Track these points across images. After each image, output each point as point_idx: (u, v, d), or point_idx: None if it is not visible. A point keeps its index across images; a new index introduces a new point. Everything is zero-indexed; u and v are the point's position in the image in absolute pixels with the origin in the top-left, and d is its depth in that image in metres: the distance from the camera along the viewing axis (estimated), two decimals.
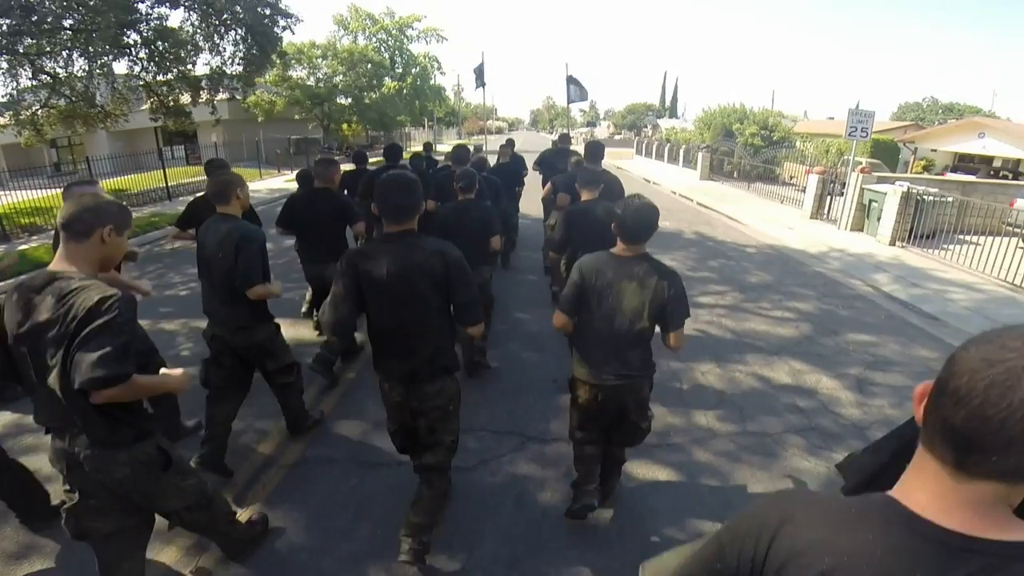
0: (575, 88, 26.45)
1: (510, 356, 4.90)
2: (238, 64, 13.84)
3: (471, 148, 7.06)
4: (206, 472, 2.95)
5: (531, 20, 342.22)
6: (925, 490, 0.71)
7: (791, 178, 17.85)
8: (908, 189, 9.56)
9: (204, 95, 14.80)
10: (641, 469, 3.34)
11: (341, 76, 26.88)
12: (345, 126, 28.84)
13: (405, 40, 32.30)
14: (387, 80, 29.82)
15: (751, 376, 4.65)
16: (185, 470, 2.18)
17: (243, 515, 2.74)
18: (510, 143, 8.67)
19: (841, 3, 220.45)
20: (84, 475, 1.92)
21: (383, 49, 31.44)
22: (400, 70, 31.67)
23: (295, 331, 5.07)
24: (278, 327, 3.27)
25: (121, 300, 1.73)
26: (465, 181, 4.14)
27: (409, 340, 2.30)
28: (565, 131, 8.94)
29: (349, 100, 27.43)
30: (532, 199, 9.99)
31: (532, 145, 32.12)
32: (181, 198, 15.37)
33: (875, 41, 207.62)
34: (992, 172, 19.49)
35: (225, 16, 12.73)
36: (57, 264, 1.81)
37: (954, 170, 20.79)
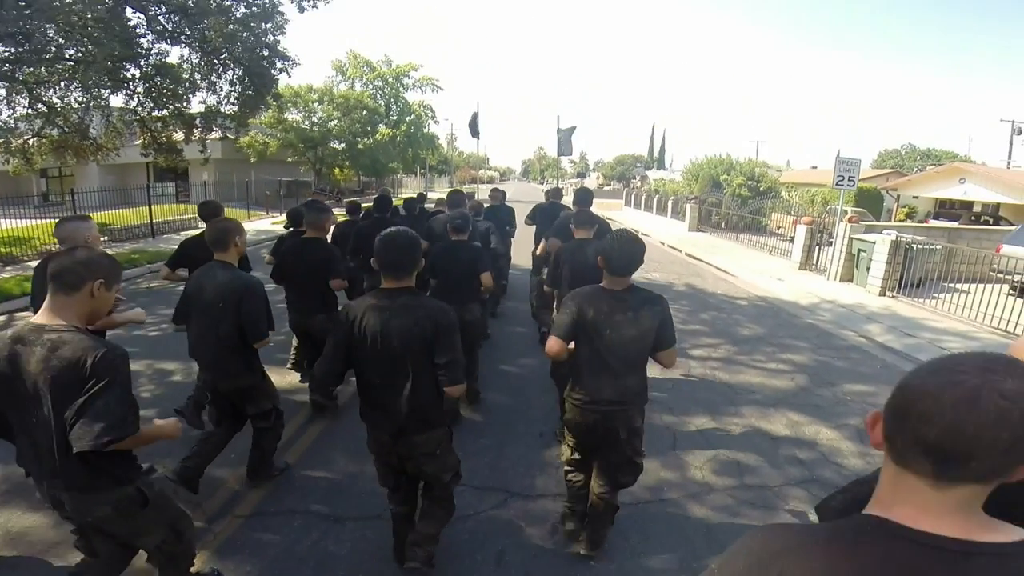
0: (564, 143, 27.22)
1: (495, 407, 4.62)
2: (233, 104, 13.89)
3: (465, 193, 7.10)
4: (178, 486, 2.99)
5: (524, 72, 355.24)
6: (909, 504, 0.74)
7: (778, 228, 18.02)
8: (897, 238, 9.58)
9: (197, 133, 14.84)
10: (635, 526, 3.07)
11: (336, 121, 27.29)
12: (337, 170, 29.07)
13: (401, 88, 33.05)
14: (381, 127, 30.30)
15: (748, 428, 4.40)
16: (163, 507, 2.16)
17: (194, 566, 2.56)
18: (502, 193, 8.65)
19: (822, 55, 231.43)
20: (68, 513, 1.97)
21: (379, 96, 32.12)
22: (395, 117, 32.28)
23: (281, 378, 4.76)
24: (263, 374, 3.22)
25: (118, 358, 1.77)
26: (458, 222, 4.21)
27: (396, 396, 2.29)
28: (557, 186, 9.12)
29: (343, 145, 27.74)
30: (522, 250, 9.88)
31: (524, 195, 32.56)
32: (165, 235, 15.20)
33: (854, 91, 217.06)
34: (973, 217, 19.80)
35: (223, 55, 12.85)
36: (44, 316, 1.81)
37: (936, 216, 21.11)
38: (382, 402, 2.33)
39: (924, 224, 14.94)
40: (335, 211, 5.70)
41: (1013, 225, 16.07)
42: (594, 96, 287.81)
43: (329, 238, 6.11)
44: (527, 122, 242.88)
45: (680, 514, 3.24)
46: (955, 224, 15.43)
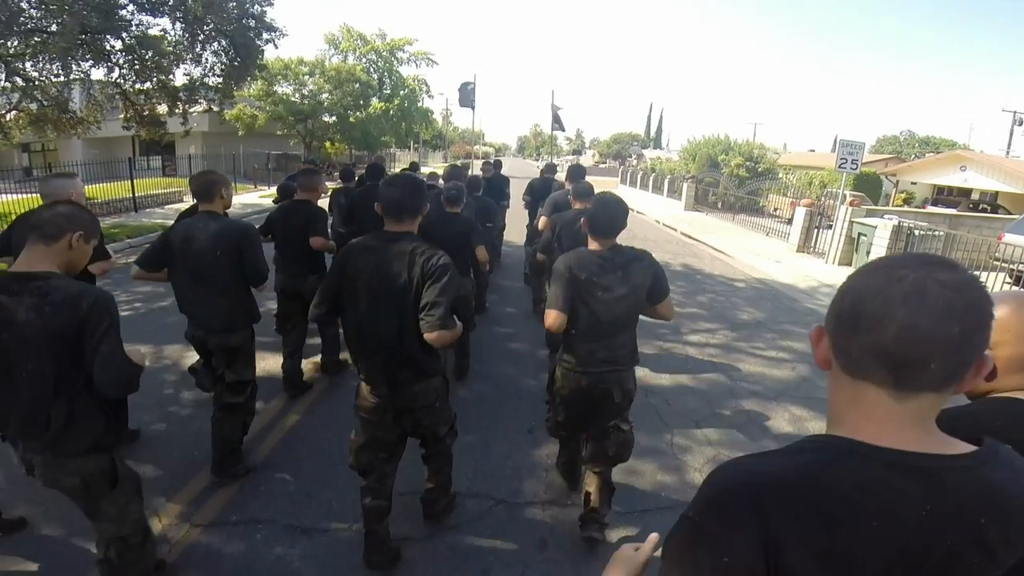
0: (556, 119, 27.14)
1: (479, 400, 4.28)
2: (217, 75, 13.36)
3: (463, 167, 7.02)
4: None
5: (521, 48, 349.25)
6: (871, 420, 0.71)
7: (775, 210, 17.74)
8: (899, 223, 9.35)
9: (181, 106, 14.32)
10: (633, 537, 2.83)
11: (327, 94, 26.52)
12: (328, 144, 28.37)
13: (395, 62, 32.21)
14: (374, 100, 29.56)
15: (750, 424, 4.19)
16: (131, 494, 2.11)
17: None
18: (497, 164, 8.99)
19: (821, 39, 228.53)
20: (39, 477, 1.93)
21: (372, 70, 31.30)
22: (388, 91, 31.50)
23: (265, 363, 4.49)
24: (253, 336, 3.13)
25: (110, 301, 1.81)
26: (452, 193, 4.19)
27: (388, 344, 2.21)
28: (551, 161, 9.53)
29: (334, 118, 27.01)
30: (514, 226, 9.81)
31: (519, 171, 31.98)
32: (148, 210, 14.73)
33: (854, 76, 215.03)
34: (972, 205, 19.61)
35: (208, 26, 12.30)
36: (24, 265, 1.80)
37: (934, 203, 20.91)
38: (373, 350, 2.25)
39: (925, 210, 14.68)
40: (328, 184, 5.60)
41: (1011, 214, 15.92)
42: (592, 74, 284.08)
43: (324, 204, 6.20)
44: (523, 99, 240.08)
45: None
46: (954, 211, 15.22)
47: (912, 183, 24.24)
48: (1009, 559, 0.71)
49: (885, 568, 0.68)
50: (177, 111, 14.38)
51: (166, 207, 15.35)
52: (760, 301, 7.90)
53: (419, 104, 33.48)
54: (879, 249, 9.54)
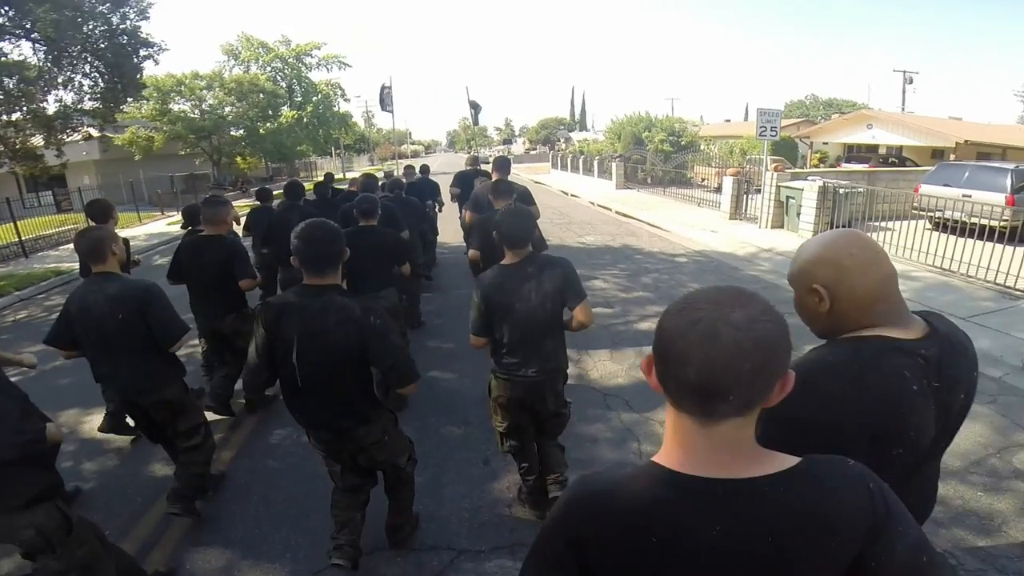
0: (474, 111, 28.23)
1: (427, 432, 3.81)
2: (92, 99, 12.14)
3: (380, 176, 7.06)
4: None
5: (443, 42, 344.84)
6: (682, 447, 0.80)
7: (703, 180, 18.12)
8: (824, 183, 9.54)
9: (57, 135, 12.93)
10: None
11: (230, 107, 24.92)
12: (239, 159, 26.72)
13: (304, 68, 30.85)
14: (285, 109, 28.17)
15: None
16: (87, 541, 2.11)
17: None
18: (424, 168, 8.75)
19: (729, 11, 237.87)
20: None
21: (280, 78, 29.80)
22: (299, 99, 30.09)
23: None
24: (185, 385, 2.98)
25: None
26: (364, 206, 4.03)
27: (324, 401, 2.19)
28: (474, 154, 9.64)
29: (241, 131, 25.43)
30: (448, 226, 9.41)
31: (450, 167, 31.21)
32: (40, 253, 13.19)
33: (759, 45, 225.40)
34: (882, 159, 20.74)
35: (73, 48, 11.10)
36: None
37: (847, 160, 22.00)
38: (309, 407, 2.23)
39: (840, 168, 15.28)
40: (243, 202, 4.92)
41: (918, 165, 16.89)
42: (515, 62, 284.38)
43: (241, 227, 5.95)
44: (450, 93, 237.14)
45: None
46: (866, 167, 15.96)
47: (824, 143, 25.41)
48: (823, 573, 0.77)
49: None
50: (54, 141, 13.01)
51: (60, 248, 13.81)
52: (703, 274, 7.82)
53: (335, 109, 32.29)
54: (808, 210, 9.73)
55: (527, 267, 2.51)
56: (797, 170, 12.64)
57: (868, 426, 1.05)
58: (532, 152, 60.71)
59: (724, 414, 0.76)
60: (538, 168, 34.84)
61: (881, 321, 1.13)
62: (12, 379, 2.13)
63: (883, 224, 8.73)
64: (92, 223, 3.77)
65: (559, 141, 57.80)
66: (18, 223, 13.07)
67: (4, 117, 12.55)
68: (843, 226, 9.21)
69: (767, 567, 0.76)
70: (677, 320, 0.77)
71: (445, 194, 8.34)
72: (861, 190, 9.88)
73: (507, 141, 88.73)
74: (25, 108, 12.28)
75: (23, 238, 12.95)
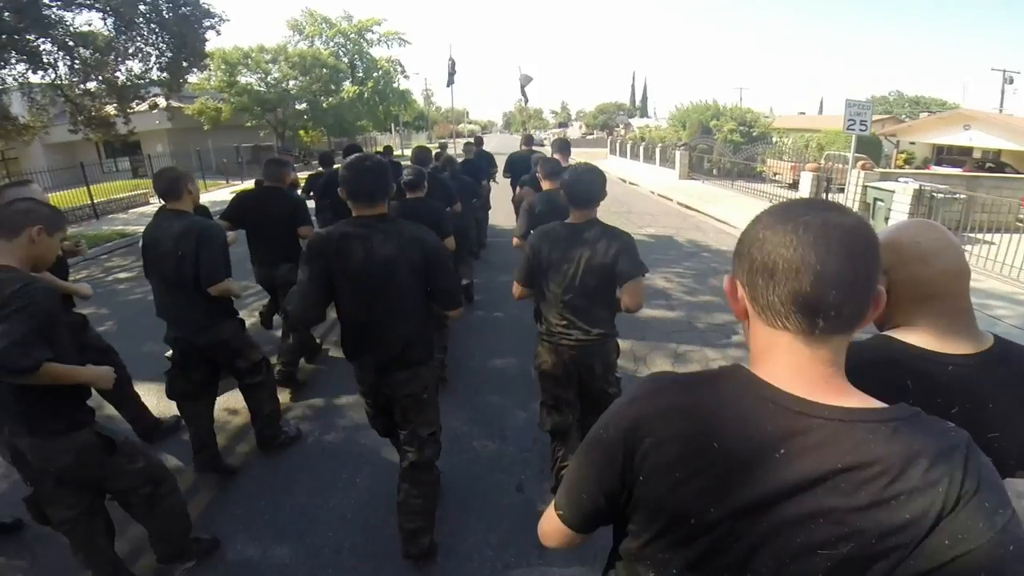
0: (524, 85, 28.64)
1: (459, 444, 3.38)
2: (159, 69, 12.37)
3: (434, 150, 6.73)
4: (210, 474, 3.08)
5: (504, 24, 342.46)
6: (779, 363, 0.74)
7: (775, 175, 16.96)
8: (920, 186, 8.59)
9: (130, 104, 13.33)
10: None
11: (295, 81, 25.27)
12: (302, 132, 27.16)
13: (365, 44, 30.95)
14: (347, 84, 28.36)
15: None
16: (133, 453, 2.16)
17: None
18: (478, 141, 8.73)
19: (806, 4, 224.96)
20: (28, 465, 1.99)
21: (342, 53, 30.01)
22: (361, 74, 30.25)
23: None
24: (243, 323, 3.08)
25: (37, 290, 1.78)
26: (410, 179, 3.90)
27: (382, 331, 2.17)
28: (529, 132, 9.38)
29: (304, 105, 25.79)
30: (499, 210, 9.37)
31: (505, 147, 30.87)
32: (111, 216, 13.71)
33: (838, 37, 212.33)
34: (978, 164, 18.91)
35: (139, 19, 11.28)
36: None
37: (938, 163, 20.25)
38: (365, 338, 2.20)
39: (939, 172, 13.89)
40: (304, 173, 4.94)
41: (1018, 171, 15.25)
42: (574, 45, 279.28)
43: (300, 190, 6.61)
44: (508, 74, 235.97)
45: None
46: (959, 171, 14.50)
47: (911, 143, 23.46)
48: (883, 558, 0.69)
49: (712, 509, 0.72)
50: (131, 109, 13.41)
51: (130, 211, 14.34)
52: None
53: (395, 85, 32.30)
54: (899, 215, 8.79)
55: (586, 230, 2.39)
56: (886, 170, 11.53)
57: None
58: (589, 137, 59.36)
59: (833, 329, 0.72)
60: (595, 154, 33.92)
61: (930, 323, 1.02)
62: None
63: (982, 236, 7.79)
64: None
65: (618, 127, 56.25)
66: (91, 187, 13.70)
67: (81, 86, 13.06)
68: None
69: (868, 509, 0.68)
70: (780, 229, 0.72)
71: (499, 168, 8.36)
72: (961, 196, 8.87)
73: (563, 124, 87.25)
74: (100, 77, 12.68)
75: (95, 201, 13.52)
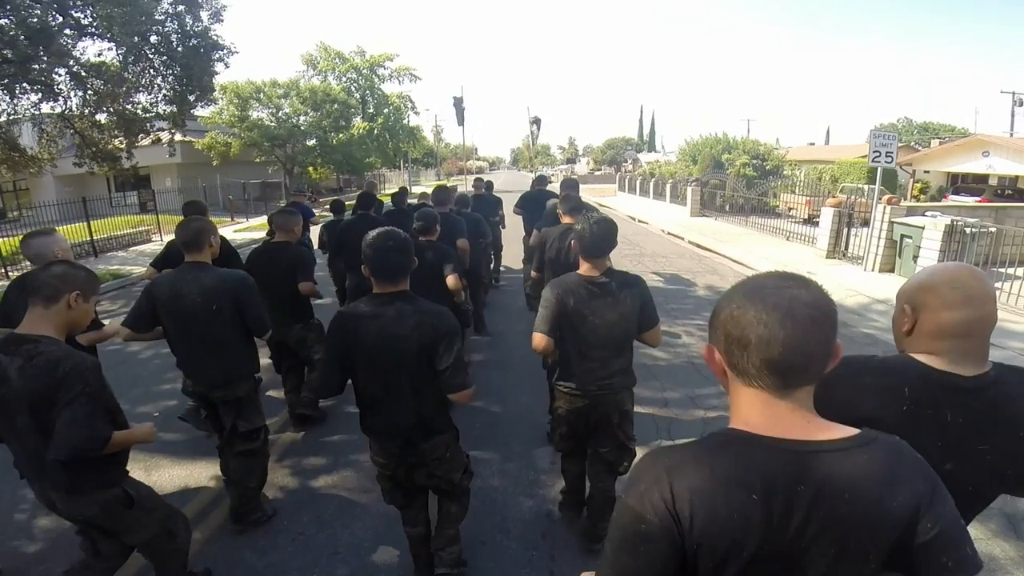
0: (535, 129, 29.46)
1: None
2: (167, 103, 12.27)
3: (451, 188, 6.65)
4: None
5: (510, 61, 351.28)
6: (760, 415, 0.88)
7: (789, 210, 16.51)
8: (952, 221, 8.08)
9: (139, 137, 13.26)
10: None
11: (304, 116, 25.41)
12: (311, 169, 27.18)
13: (376, 79, 31.33)
14: (357, 120, 28.56)
15: None
16: (151, 506, 2.23)
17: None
18: (488, 185, 8.76)
19: (807, 29, 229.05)
20: (58, 511, 2.09)
21: (354, 89, 30.35)
22: (371, 110, 30.52)
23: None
24: (258, 384, 3.06)
25: (88, 368, 1.87)
26: (421, 224, 3.89)
27: (399, 408, 2.19)
28: (542, 173, 9.43)
29: (314, 141, 25.86)
30: (509, 249, 9.25)
31: (513, 185, 30.91)
32: (109, 254, 13.45)
33: (843, 65, 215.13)
34: (998, 192, 18.40)
35: (150, 50, 11.24)
36: (25, 328, 1.90)
37: (955, 192, 19.73)
38: (385, 413, 2.22)
39: (965, 204, 13.35)
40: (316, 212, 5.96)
41: None
42: (581, 80, 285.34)
43: (316, 241, 7.07)
44: (515, 111, 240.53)
45: None
46: (975, 200, 13.97)
47: (925, 172, 23.04)
48: (883, 537, 0.85)
49: (765, 538, 0.83)
50: (137, 144, 13.34)
51: (130, 249, 14.10)
52: None
53: (405, 121, 32.55)
54: (930, 252, 8.26)
55: (605, 281, 2.45)
56: (912, 204, 11.03)
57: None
58: (597, 173, 59.53)
59: (800, 383, 0.86)
60: (604, 190, 33.77)
61: (945, 351, 1.17)
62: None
63: (1011, 271, 7.25)
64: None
65: (626, 162, 56.40)
66: (93, 223, 13.51)
67: (96, 117, 13.01)
68: None
69: (840, 529, 0.83)
70: (751, 307, 0.85)
71: (507, 210, 8.29)
72: (992, 229, 8.35)
73: (571, 160, 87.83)
74: (111, 109, 12.64)
75: (95, 238, 13.29)
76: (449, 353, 2.10)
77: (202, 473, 3.60)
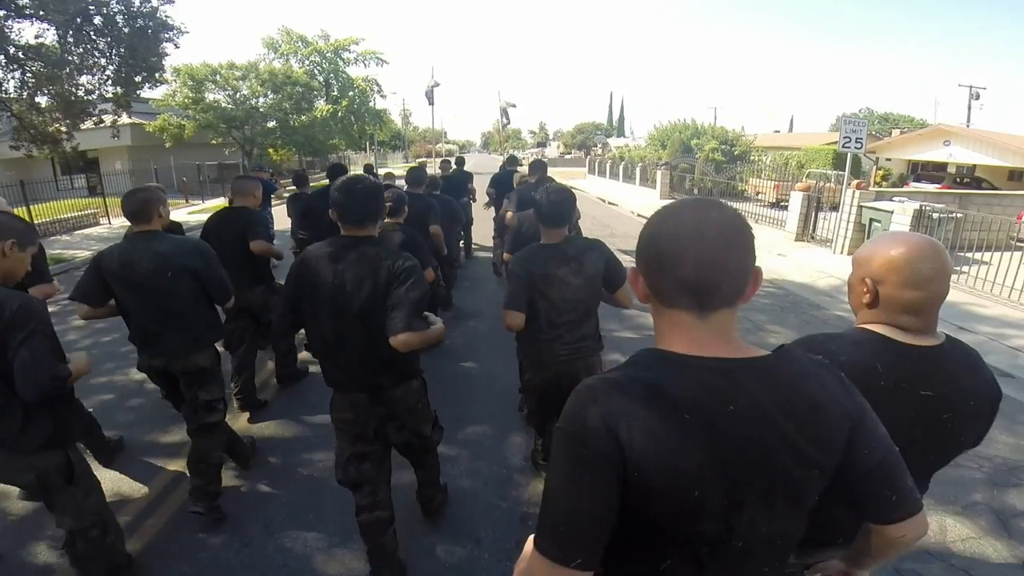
0: (506, 120, 29.82)
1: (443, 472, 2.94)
2: (111, 84, 11.55)
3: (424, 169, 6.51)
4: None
5: (481, 44, 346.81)
6: (682, 338, 0.87)
7: (757, 194, 16.61)
8: (921, 207, 8.14)
9: (86, 120, 12.48)
10: None
11: (264, 98, 24.37)
12: (272, 150, 26.16)
13: (341, 63, 30.30)
14: (320, 103, 27.60)
15: None
16: (88, 489, 2.16)
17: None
18: (459, 160, 9.05)
19: (772, 18, 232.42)
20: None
21: (317, 72, 29.30)
22: (335, 93, 29.54)
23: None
24: (219, 355, 2.91)
25: (37, 308, 1.86)
26: (390, 204, 3.76)
27: (358, 352, 2.08)
28: (512, 154, 9.85)
29: (274, 123, 24.86)
30: (483, 228, 9.30)
31: (484, 168, 30.47)
32: (52, 238, 12.59)
33: (807, 54, 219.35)
34: (958, 180, 18.89)
35: (92, 31, 10.50)
36: None
37: (917, 179, 20.22)
38: (345, 361, 2.11)
39: (925, 190, 13.62)
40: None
41: (995, 187, 15.13)
42: (552, 65, 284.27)
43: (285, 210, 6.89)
44: (486, 95, 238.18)
45: None
46: (936, 187, 14.30)
47: (887, 159, 23.56)
48: (818, 456, 0.83)
49: (707, 457, 0.80)
50: (81, 126, 12.54)
51: (75, 233, 13.26)
52: (782, 314, 6.50)
53: (371, 104, 31.63)
54: None
55: (567, 248, 2.46)
56: (881, 189, 11.15)
57: None
58: (567, 156, 59.43)
59: (717, 304, 0.85)
60: (574, 173, 33.62)
61: (903, 323, 1.21)
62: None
63: (977, 256, 7.34)
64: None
65: (596, 146, 56.34)
66: (36, 207, 12.64)
67: (30, 101, 12.17)
68: None
69: (776, 448, 0.81)
70: (665, 227, 0.87)
71: (479, 187, 8.62)
72: (959, 215, 8.46)
73: (541, 144, 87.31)
74: (52, 91, 11.86)
75: (36, 222, 12.39)
76: (399, 292, 1.97)
77: (136, 480, 3.24)
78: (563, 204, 2.46)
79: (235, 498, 3.05)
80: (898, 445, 1.03)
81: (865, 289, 1.23)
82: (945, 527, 2.81)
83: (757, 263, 0.86)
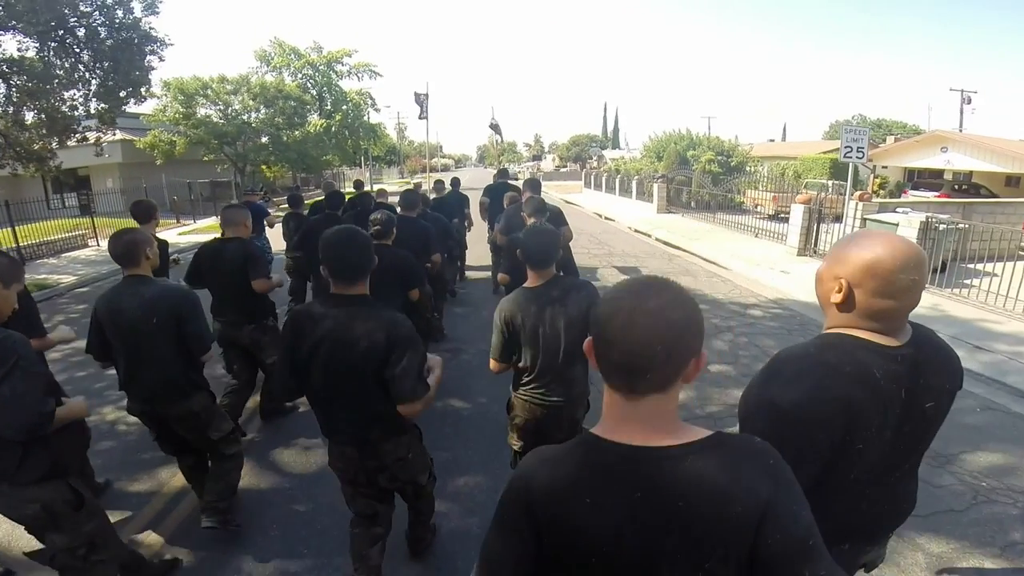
0: (499, 138, 30.46)
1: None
2: (97, 99, 11.32)
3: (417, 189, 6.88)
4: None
5: (477, 58, 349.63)
6: (611, 417, 0.93)
7: (756, 206, 16.45)
8: (927, 219, 7.94)
9: (71, 137, 12.24)
10: None
11: (256, 113, 24.18)
12: (264, 167, 25.92)
13: (334, 76, 30.22)
14: (313, 117, 27.46)
15: None
16: (92, 512, 2.15)
17: None
18: (454, 182, 8.63)
19: (765, 27, 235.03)
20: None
21: (310, 85, 29.20)
22: (329, 107, 29.42)
23: None
24: (214, 396, 2.90)
25: (17, 342, 1.79)
26: (378, 228, 3.75)
27: (350, 410, 2.13)
28: (504, 167, 10.58)
29: (266, 139, 24.64)
30: (477, 249, 9.07)
31: (479, 182, 30.18)
32: (39, 261, 12.27)
33: (799, 62, 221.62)
34: (957, 187, 18.80)
35: (75, 44, 10.30)
36: None
37: (915, 187, 20.13)
38: (337, 417, 2.17)
39: (934, 199, 13.46)
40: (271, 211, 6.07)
41: (993, 193, 15.03)
42: (547, 77, 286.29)
43: (280, 229, 7.02)
44: (482, 108, 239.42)
45: None
46: (935, 196, 14.16)
47: (883, 167, 23.50)
48: (716, 546, 0.85)
49: (607, 543, 0.87)
50: (68, 143, 12.30)
51: (62, 256, 12.93)
52: (790, 337, 6.20)
53: (365, 118, 31.53)
54: None
55: (551, 290, 2.45)
56: (884, 200, 10.97)
57: (842, 411, 1.16)
58: (562, 169, 59.45)
59: (645, 390, 0.88)
60: (569, 187, 33.49)
61: (886, 332, 1.23)
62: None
63: (978, 267, 7.12)
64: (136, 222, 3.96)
65: (591, 159, 56.40)
66: (20, 227, 12.33)
67: (15, 116, 11.93)
68: (936, 270, 7.63)
69: (671, 536, 0.85)
70: (605, 308, 0.91)
71: (474, 208, 8.20)
72: (963, 226, 8.28)
73: (536, 157, 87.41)
74: (37, 107, 11.62)
75: (21, 244, 12.09)
76: (399, 361, 2.00)
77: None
78: (546, 245, 2.47)
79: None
80: (890, 440, 1.26)
81: (838, 288, 1.22)
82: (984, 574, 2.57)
83: (699, 348, 0.89)
